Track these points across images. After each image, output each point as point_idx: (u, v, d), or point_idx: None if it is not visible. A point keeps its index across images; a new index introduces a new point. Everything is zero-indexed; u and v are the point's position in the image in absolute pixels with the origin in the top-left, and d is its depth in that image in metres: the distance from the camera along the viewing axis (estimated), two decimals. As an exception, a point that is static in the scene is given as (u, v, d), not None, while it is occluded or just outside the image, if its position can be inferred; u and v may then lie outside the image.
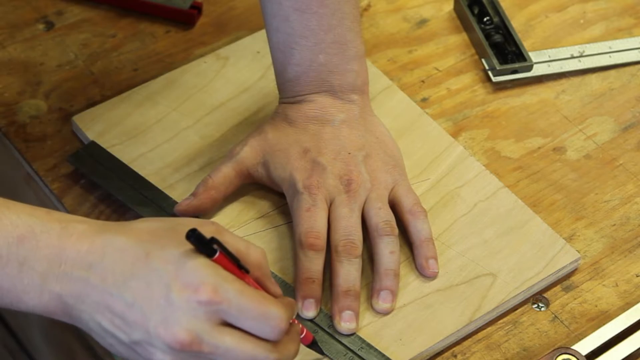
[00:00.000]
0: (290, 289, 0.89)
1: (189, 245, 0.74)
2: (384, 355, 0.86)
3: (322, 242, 0.89)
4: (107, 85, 1.06)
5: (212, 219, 0.94)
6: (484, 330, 0.90)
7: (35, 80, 1.06)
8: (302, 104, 0.95)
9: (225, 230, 0.78)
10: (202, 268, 0.73)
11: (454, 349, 0.89)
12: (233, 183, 0.94)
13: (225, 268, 0.75)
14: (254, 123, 1.01)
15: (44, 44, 1.09)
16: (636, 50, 1.10)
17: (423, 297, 0.90)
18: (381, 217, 0.91)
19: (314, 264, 0.89)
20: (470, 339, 0.90)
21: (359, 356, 0.86)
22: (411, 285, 0.91)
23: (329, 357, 0.86)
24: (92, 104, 1.04)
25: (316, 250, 0.89)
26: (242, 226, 0.94)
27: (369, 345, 0.86)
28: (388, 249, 0.90)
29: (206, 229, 0.75)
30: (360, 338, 0.87)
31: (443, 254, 0.93)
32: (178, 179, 0.97)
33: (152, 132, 1.01)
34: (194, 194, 0.93)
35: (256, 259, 0.78)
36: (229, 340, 0.74)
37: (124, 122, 1.01)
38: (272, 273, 0.90)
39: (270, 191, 0.96)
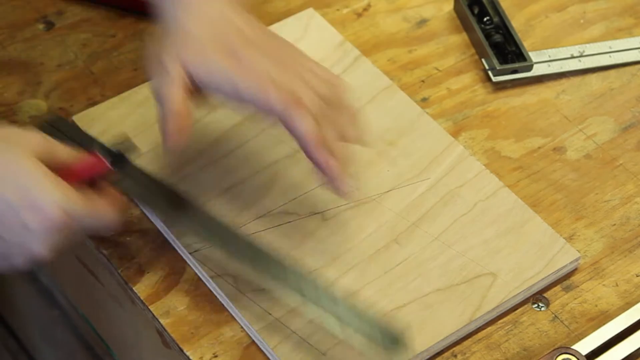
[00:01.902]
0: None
1: (29, 165, 0.82)
2: (369, 318, 0.84)
3: None
4: (107, 85, 1.06)
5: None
6: (484, 330, 0.90)
7: (35, 80, 1.06)
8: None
9: (52, 141, 0.86)
10: (49, 193, 0.82)
11: (454, 349, 0.89)
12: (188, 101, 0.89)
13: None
14: (253, 123, 1.01)
15: (44, 44, 1.09)
16: (636, 50, 1.10)
17: (423, 297, 0.90)
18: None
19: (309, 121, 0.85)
20: (470, 339, 0.90)
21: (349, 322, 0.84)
22: (411, 285, 0.91)
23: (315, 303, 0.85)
24: (92, 104, 1.04)
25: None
26: (242, 226, 0.94)
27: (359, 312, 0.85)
28: (303, 125, 0.86)
29: (35, 142, 0.84)
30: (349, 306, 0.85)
31: (443, 254, 0.93)
32: (178, 178, 0.97)
33: (152, 132, 1.01)
34: (166, 138, 0.88)
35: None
36: None
37: (124, 122, 1.01)
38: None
39: (270, 191, 0.96)
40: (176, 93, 0.87)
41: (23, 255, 0.84)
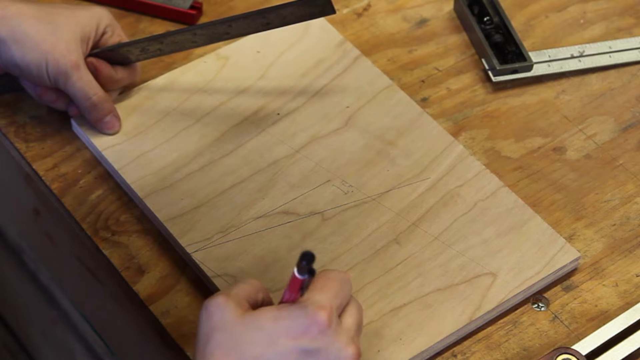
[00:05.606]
0: None
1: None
2: None
3: None
4: (107, 85, 1.06)
5: (210, 222, 0.94)
6: (484, 330, 0.90)
7: (35, 80, 1.06)
8: None
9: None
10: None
11: (454, 348, 0.89)
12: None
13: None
14: (253, 123, 1.01)
15: (44, 44, 1.09)
16: (636, 50, 1.10)
17: (423, 296, 0.90)
18: None
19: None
20: (470, 339, 0.90)
21: None
22: (411, 285, 0.91)
23: None
24: (92, 103, 1.04)
25: None
26: (242, 226, 0.94)
27: None
28: None
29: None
30: None
31: (443, 254, 0.93)
32: (178, 178, 0.97)
33: (152, 132, 1.01)
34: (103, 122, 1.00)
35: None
36: None
37: (124, 122, 1.01)
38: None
39: (270, 191, 0.96)
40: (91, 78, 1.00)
41: None
